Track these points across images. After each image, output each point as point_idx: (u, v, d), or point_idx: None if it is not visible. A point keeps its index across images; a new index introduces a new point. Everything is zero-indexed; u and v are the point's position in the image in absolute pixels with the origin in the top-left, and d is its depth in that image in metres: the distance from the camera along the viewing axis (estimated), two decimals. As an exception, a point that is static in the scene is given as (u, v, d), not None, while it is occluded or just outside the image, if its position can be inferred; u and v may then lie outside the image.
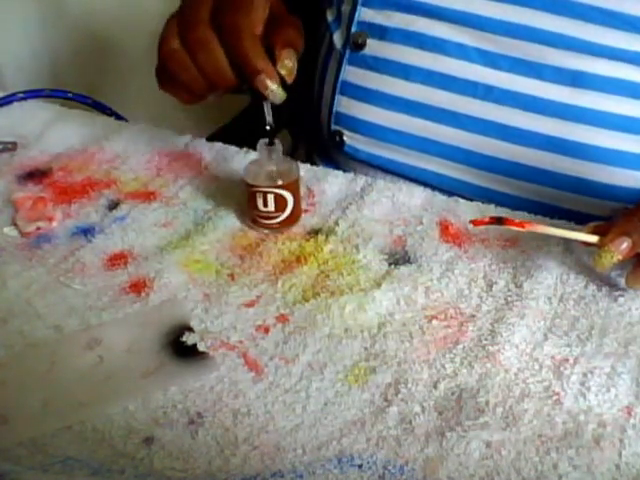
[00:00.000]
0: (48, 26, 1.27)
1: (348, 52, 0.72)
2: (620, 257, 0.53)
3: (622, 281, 0.57)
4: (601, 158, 0.66)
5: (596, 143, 0.65)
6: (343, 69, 0.73)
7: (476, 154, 0.69)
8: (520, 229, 0.53)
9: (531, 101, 0.66)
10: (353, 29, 0.71)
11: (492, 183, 0.70)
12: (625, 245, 0.53)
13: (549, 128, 0.66)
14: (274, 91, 0.56)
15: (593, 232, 0.55)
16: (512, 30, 0.65)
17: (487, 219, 0.54)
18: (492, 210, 0.64)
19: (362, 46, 0.71)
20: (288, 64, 0.57)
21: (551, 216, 0.63)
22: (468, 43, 0.66)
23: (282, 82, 0.57)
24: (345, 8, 0.73)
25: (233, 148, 0.73)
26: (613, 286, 0.57)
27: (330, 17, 0.76)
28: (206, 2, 0.58)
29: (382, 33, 0.70)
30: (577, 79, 0.64)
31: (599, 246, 0.54)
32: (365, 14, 0.70)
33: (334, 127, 0.75)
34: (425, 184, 0.71)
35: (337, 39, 0.74)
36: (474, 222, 0.55)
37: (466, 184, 0.71)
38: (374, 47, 0.70)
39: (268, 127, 0.59)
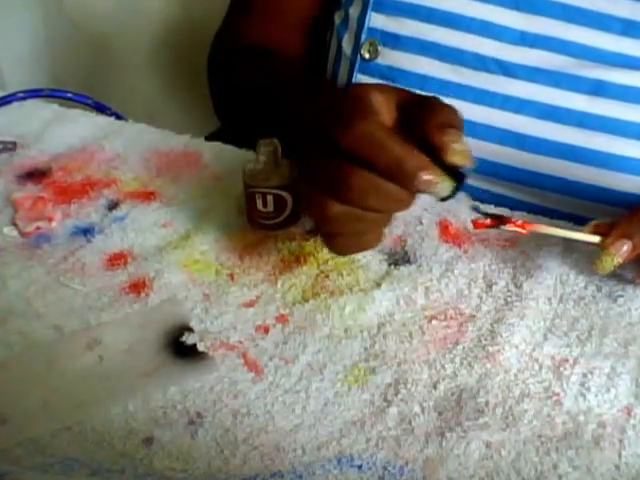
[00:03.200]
0: (48, 26, 1.28)
1: (359, 60, 0.71)
2: (621, 260, 0.53)
3: (622, 281, 0.57)
4: (620, 167, 0.65)
5: (615, 152, 0.65)
6: (355, 78, 0.71)
7: (494, 163, 0.69)
8: (521, 231, 0.53)
9: (549, 110, 0.65)
10: (363, 36, 0.70)
11: (509, 192, 0.70)
12: (626, 248, 0.53)
13: (567, 137, 0.66)
14: (441, 184, 0.45)
15: (594, 232, 0.55)
16: (530, 39, 0.64)
17: (489, 221, 0.53)
18: (492, 210, 0.64)
19: (374, 56, 0.69)
20: (458, 147, 0.45)
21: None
22: (486, 53, 0.66)
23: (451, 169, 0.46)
24: (353, 12, 0.72)
25: (232, 148, 0.73)
26: (613, 287, 0.57)
27: (337, 20, 0.75)
28: (323, 135, 0.47)
29: (396, 42, 0.68)
30: (596, 88, 0.64)
31: (601, 247, 0.54)
32: (376, 20, 0.69)
33: None
34: None
35: (346, 44, 0.72)
36: (475, 224, 0.54)
37: (483, 192, 0.71)
38: (388, 57, 0.69)
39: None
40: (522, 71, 0.65)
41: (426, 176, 0.44)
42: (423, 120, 0.46)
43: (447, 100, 0.66)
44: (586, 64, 0.63)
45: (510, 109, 0.66)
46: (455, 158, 0.45)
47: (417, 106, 0.48)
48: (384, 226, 0.50)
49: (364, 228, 0.49)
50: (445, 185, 0.45)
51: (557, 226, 0.55)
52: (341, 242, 0.50)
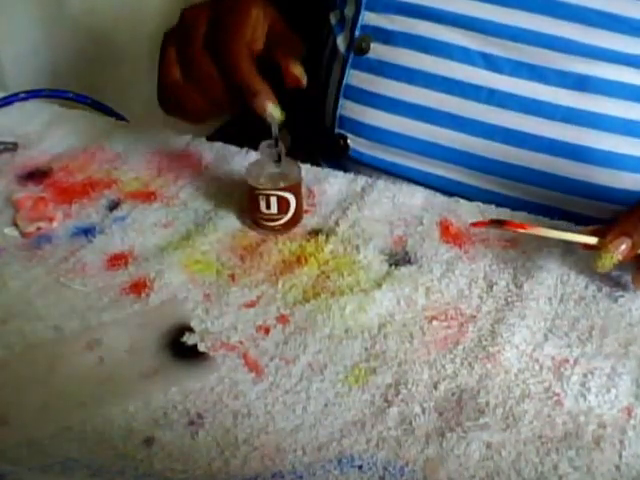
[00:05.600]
0: (49, 26, 1.27)
1: (352, 56, 0.72)
2: (620, 258, 0.53)
3: (622, 282, 0.57)
4: (605, 162, 0.65)
5: (600, 147, 0.65)
6: (347, 73, 0.72)
7: (480, 158, 0.69)
8: (520, 230, 0.53)
9: (535, 105, 0.66)
10: (357, 33, 0.71)
11: (497, 186, 0.70)
12: (625, 246, 0.53)
13: (553, 132, 0.66)
14: (271, 113, 0.57)
15: (592, 234, 0.55)
16: (516, 34, 0.64)
17: (487, 221, 0.54)
18: (492, 210, 0.65)
19: (366, 50, 0.71)
20: (296, 70, 0.58)
21: (557, 219, 0.62)
22: (472, 47, 0.66)
23: (279, 103, 0.58)
24: (348, 12, 0.73)
25: (233, 148, 0.73)
26: (613, 287, 0.57)
27: (333, 20, 0.76)
28: (201, 23, 0.59)
29: (386, 37, 0.69)
30: (581, 83, 0.64)
31: (598, 248, 0.54)
32: (369, 18, 0.70)
33: (338, 131, 0.75)
34: (429, 187, 0.71)
35: (341, 43, 0.74)
36: (474, 224, 0.54)
37: (470, 187, 0.71)
38: (378, 51, 0.70)
39: (275, 144, 0.60)
40: (507, 65, 0.66)
41: (264, 102, 0.56)
42: (275, 50, 0.59)
43: (435, 95, 0.67)
44: (571, 58, 0.64)
45: (495, 103, 0.67)
46: (296, 71, 0.57)
47: (278, 37, 0.60)
48: (206, 116, 0.60)
49: (191, 108, 0.59)
50: (276, 114, 0.57)
51: (556, 228, 0.55)
52: (172, 112, 0.61)
